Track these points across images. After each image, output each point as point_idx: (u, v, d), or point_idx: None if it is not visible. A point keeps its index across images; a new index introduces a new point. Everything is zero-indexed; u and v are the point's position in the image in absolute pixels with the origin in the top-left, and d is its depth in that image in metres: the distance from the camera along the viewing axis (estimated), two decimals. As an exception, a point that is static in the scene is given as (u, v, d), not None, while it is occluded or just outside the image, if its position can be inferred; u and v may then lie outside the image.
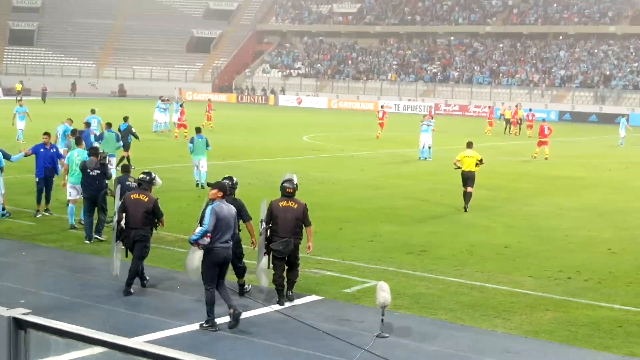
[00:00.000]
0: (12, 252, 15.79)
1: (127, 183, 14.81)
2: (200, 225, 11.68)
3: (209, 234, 11.27)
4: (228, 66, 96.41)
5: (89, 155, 17.23)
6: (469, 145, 22.35)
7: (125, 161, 24.65)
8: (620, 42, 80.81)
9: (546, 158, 35.58)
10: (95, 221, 16.70)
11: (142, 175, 13.48)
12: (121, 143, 25.13)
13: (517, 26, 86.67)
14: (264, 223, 12.76)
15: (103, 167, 16.75)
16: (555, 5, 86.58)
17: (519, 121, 51.87)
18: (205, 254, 11.44)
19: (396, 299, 12.36)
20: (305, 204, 12.92)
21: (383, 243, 17.39)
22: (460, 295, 13.52)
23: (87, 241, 16.37)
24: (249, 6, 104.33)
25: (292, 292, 12.85)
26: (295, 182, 13.03)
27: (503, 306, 12.98)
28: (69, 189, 17.69)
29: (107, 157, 17.87)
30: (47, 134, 19.69)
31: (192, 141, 24.29)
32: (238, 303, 11.99)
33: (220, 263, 11.45)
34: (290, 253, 12.64)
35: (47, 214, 19.11)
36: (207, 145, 24.28)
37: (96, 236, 16.51)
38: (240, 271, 13.00)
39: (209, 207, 11.57)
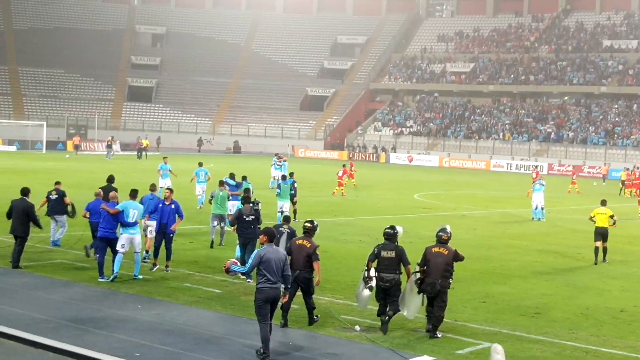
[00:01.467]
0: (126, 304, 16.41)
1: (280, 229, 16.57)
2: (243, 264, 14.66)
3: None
4: (340, 124, 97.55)
5: (242, 203, 19.57)
6: (603, 203, 23.99)
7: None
8: None
9: None
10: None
11: (307, 224, 15.26)
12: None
13: (633, 87, 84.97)
14: (418, 267, 14.72)
15: (257, 213, 19.09)
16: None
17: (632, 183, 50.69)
18: (255, 293, 12.83)
19: (509, 361, 12.34)
20: (456, 250, 14.72)
21: (496, 304, 17.32)
22: (574, 359, 13.38)
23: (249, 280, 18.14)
24: (362, 65, 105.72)
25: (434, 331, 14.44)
26: (449, 231, 14.88)
27: (619, 372, 12.80)
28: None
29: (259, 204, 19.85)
30: (169, 189, 20.20)
31: (278, 186, 28.26)
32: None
33: (270, 301, 12.72)
34: (437, 294, 14.46)
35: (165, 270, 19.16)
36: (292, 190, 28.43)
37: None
38: (309, 307, 14.78)
39: (255, 251, 13.25)
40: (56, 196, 21.89)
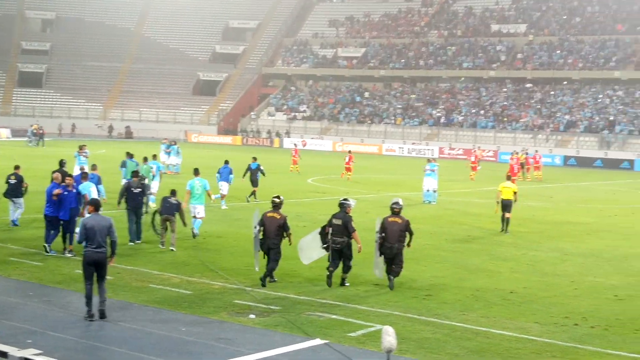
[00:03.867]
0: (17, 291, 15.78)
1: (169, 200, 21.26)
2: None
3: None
4: (233, 109, 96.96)
5: (131, 177, 22.89)
6: (508, 178, 27.87)
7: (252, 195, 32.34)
8: (626, 87, 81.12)
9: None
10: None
11: (275, 199, 17.53)
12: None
13: (521, 71, 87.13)
14: (378, 234, 17.19)
15: (143, 186, 22.42)
16: (559, 51, 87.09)
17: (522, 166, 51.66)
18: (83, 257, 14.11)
19: (401, 344, 12.26)
20: (409, 220, 17.40)
21: (387, 287, 17.28)
22: (465, 340, 13.43)
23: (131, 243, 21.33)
24: (254, 50, 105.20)
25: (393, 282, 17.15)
26: (401, 203, 17.69)
27: (509, 352, 12.88)
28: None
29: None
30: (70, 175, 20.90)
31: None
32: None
33: (92, 264, 13.88)
34: (394, 256, 17.14)
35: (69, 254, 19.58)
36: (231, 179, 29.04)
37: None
38: (346, 269, 17.23)
39: (80, 220, 15.17)
40: (15, 181, 23.39)
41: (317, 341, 13.00)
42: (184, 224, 21.43)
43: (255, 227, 17.27)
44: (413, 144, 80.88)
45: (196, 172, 23.93)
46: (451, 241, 24.13)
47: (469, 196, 38.95)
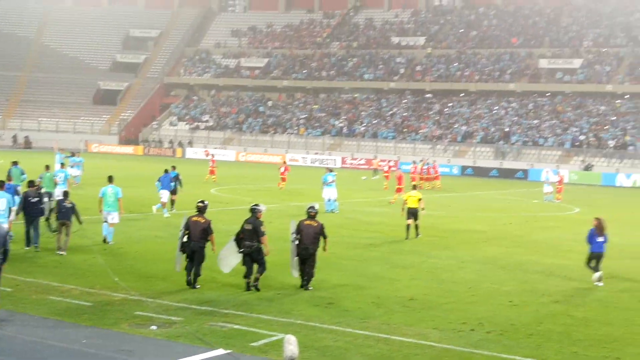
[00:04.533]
0: None
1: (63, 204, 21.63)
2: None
3: None
4: (135, 118, 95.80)
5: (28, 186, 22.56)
6: (414, 187, 29.71)
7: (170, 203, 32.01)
8: (520, 99, 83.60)
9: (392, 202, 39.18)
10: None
11: (199, 204, 18.43)
12: (25, 176, 29.48)
13: (421, 83, 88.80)
14: (293, 235, 18.22)
15: (40, 195, 22.57)
16: (457, 63, 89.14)
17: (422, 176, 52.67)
18: None
19: (303, 352, 12.42)
20: (323, 224, 18.57)
21: (290, 296, 17.46)
22: (366, 347, 13.66)
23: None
24: (156, 59, 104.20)
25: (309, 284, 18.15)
26: (317, 207, 19.28)
27: (408, 358, 13.16)
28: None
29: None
30: None
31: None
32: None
33: None
34: (309, 256, 18.10)
35: None
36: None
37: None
38: (261, 269, 17.79)
39: None
40: None
41: (220, 351, 13.03)
42: (80, 222, 22.02)
43: (181, 231, 18.14)
44: (316, 154, 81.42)
45: (110, 179, 24.13)
46: (352, 249, 24.45)
47: (370, 205, 39.48)
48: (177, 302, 16.37)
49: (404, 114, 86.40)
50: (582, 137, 74.71)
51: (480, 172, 72.96)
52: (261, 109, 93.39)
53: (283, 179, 46.63)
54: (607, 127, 75.68)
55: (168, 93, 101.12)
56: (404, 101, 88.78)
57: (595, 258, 20.50)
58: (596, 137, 74.11)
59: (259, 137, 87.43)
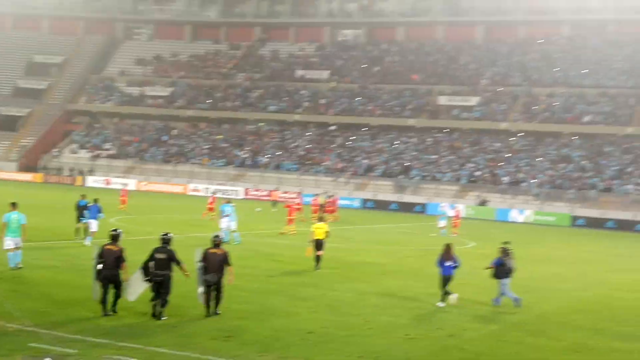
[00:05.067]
0: None
1: None
2: None
3: None
4: (36, 145, 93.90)
5: None
6: (320, 219, 31.78)
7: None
8: (419, 134, 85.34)
9: (293, 233, 40.38)
10: None
11: (112, 232, 18.97)
12: None
13: (324, 116, 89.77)
14: (199, 263, 18.75)
15: None
16: (359, 97, 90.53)
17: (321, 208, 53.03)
18: None
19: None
20: (228, 252, 19.08)
21: (188, 328, 17.38)
22: (263, 380, 13.71)
23: None
24: (59, 86, 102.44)
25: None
26: (221, 236, 20.06)
27: (305, 391, 13.25)
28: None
29: None
30: None
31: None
32: None
33: None
34: (216, 283, 18.70)
35: None
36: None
37: None
38: (163, 303, 18.05)
39: None
40: None
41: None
42: None
43: (94, 259, 18.51)
44: (219, 184, 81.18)
45: (14, 205, 24.09)
46: (253, 282, 24.45)
47: (272, 237, 39.59)
48: (72, 334, 16.11)
49: (307, 146, 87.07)
50: (478, 173, 76.70)
51: (381, 206, 73.98)
52: (164, 138, 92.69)
53: (210, 209, 47.08)
54: (501, 163, 77.93)
55: (70, 120, 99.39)
56: (307, 133, 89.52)
57: (444, 281, 22.27)
58: (491, 173, 76.20)
59: (161, 167, 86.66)
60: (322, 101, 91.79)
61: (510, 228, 61.33)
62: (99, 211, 32.25)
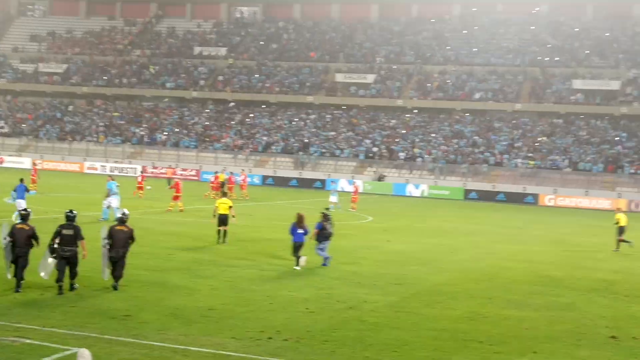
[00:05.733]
0: None
1: None
2: None
3: None
4: None
5: None
6: (224, 194, 32.76)
7: None
8: (318, 111, 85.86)
9: (181, 210, 40.62)
10: None
11: (22, 212, 19.54)
12: None
13: (222, 93, 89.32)
14: (106, 240, 19.29)
15: None
16: (257, 75, 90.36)
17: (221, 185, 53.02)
18: None
19: (100, 365, 12.36)
20: (133, 229, 19.73)
21: (87, 307, 17.23)
22: (163, 359, 13.74)
23: None
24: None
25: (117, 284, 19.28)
26: (127, 213, 20.23)
27: (206, 367, 13.35)
28: None
29: None
30: None
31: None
32: None
33: None
34: (119, 259, 19.27)
35: None
36: None
37: None
38: (73, 275, 18.69)
39: None
40: None
41: (11, 367, 12.72)
42: None
43: (5, 239, 18.86)
44: (116, 162, 79.95)
45: None
46: (151, 260, 24.34)
47: (170, 215, 39.35)
48: (-34, 318, 15.78)
49: (206, 124, 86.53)
50: (375, 149, 77.75)
51: (281, 182, 74.29)
52: (59, 115, 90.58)
53: (140, 188, 48.20)
54: (398, 139, 79.19)
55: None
56: (206, 111, 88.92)
57: (297, 247, 24.23)
58: (388, 149, 77.37)
59: (56, 145, 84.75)
60: (220, 78, 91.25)
61: (406, 202, 62.57)
62: (26, 190, 33.38)
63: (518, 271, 26.56)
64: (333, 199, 49.02)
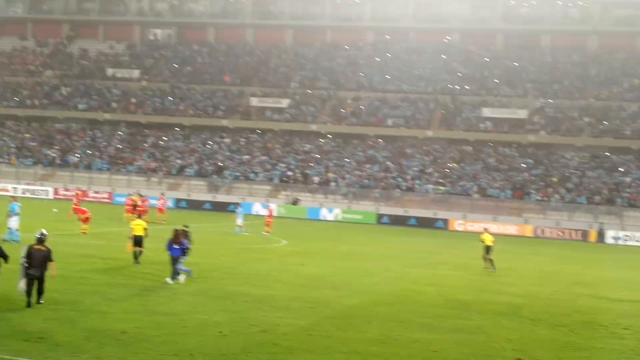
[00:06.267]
0: None
1: None
2: None
3: None
4: None
5: None
6: (139, 216, 33.68)
7: None
8: (232, 135, 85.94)
9: (84, 232, 40.48)
10: None
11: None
12: None
13: (136, 115, 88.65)
14: (23, 259, 19.96)
15: None
16: (171, 97, 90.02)
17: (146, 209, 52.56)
18: None
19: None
20: (51, 249, 20.41)
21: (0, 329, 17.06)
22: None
23: None
24: None
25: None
26: (45, 233, 20.61)
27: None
28: None
29: None
30: None
31: None
32: None
33: None
34: (38, 278, 19.94)
35: None
36: None
37: None
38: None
39: None
40: None
41: None
42: None
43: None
44: (27, 184, 78.37)
45: None
46: (64, 283, 24.02)
47: (82, 238, 38.84)
48: None
49: (119, 146, 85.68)
50: (289, 173, 78.23)
51: (194, 205, 73.98)
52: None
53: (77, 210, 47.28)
54: (312, 164, 79.87)
55: None
56: (118, 133, 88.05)
57: (174, 261, 25.78)
58: (302, 174, 77.94)
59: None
60: (133, 100, 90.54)
61: (320, 226, 63.09)
62: None
63: (428, 295, 27.16)
64: (239, 221, 49.08)
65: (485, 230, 38.96)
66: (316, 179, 77.27)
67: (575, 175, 75.67)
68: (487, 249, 35.84)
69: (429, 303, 25.26)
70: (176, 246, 25.97)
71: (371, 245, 47.24)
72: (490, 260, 35.82)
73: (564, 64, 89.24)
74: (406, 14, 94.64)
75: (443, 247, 49.21)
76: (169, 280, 25.55)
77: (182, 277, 25.78)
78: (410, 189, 75.03)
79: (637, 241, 64.12)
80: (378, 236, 56.00)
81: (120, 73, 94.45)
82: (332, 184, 76.59)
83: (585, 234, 66.98)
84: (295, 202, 74.28)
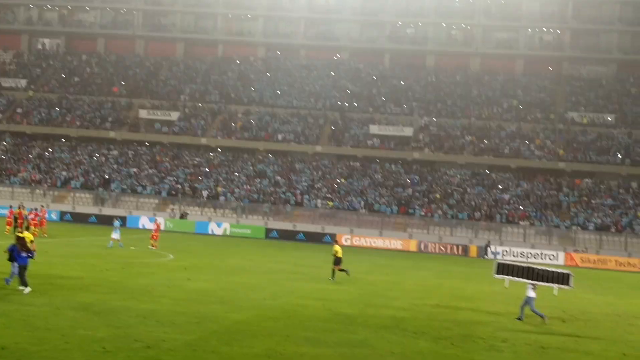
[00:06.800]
0: None
1: None
2: None
3: None
4: None
5: None
6: (27, 228, 33.95)
7: None
8: (120, 147, 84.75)
9: None
10: None
11: None
12: None
13: (21, 125, 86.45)
14: None
15: None
16: (58, 108, 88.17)
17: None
18: None
19: None
20: None
21: None
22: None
23: None
24: None
25: None
26: None
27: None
28: None
29: None
30: None
31: None
32: None
33: None
34: None
35: None
36: None
37: None
38: None
39: None
40: None
41: None
42: None
43: None
44: None
45: None
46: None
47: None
48: None
49: (3, 157, 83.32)
50: (178, 187, 77.67)
51: (79, 218, 72.63)
52: None
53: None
54: (201, 178, 79.53)
55: None
56: (3, 143, 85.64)
57: (22, 269, 25.98)
58: (191, 187, 77.51)
59: None
60: (19, 110, 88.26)
61: (209, 240, 62.84)
62: None
63: (315, 309, 27.48)
64: (115, 235, 47.93)
65: (336, 242, 40.31)
66: (205, 192, 76.94)
67: (457, 192, 77.77)
68: (338, 260, 37.76)
69: (315, 317, 25.57)
70: (23, 254, 26.07)
71: (259, 260, 47.36)
72: (339, 270, 37.83)
73: (447, 84, 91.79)
74: (297, 31, 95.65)
75: (329, 262, 49.67)
76: (25, 289, 25.71)
77: (27, 289, 25.81)
78: (299, 204, 75.59)
79: (515, 256, 66.35)
80: (266, 251, 56.20)
81: (7, 82, 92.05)
82: (221, 198, 76.44)
83: (466, 249, 68.91)
84: (183, 216, 73.75)
